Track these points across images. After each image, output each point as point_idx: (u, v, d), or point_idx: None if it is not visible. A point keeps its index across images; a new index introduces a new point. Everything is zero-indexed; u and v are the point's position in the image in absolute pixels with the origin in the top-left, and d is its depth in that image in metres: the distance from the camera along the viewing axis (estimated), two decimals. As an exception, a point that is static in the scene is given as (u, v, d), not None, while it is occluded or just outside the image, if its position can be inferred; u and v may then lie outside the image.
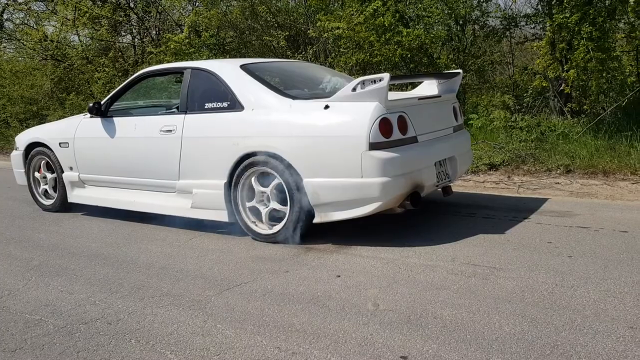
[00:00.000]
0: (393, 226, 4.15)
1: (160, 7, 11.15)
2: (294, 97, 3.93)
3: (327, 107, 3.68)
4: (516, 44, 8.49)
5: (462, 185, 5.54)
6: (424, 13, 7.64)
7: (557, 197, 4.89)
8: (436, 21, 7.72)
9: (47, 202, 5.47)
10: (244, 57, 9.22)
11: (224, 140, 4.01)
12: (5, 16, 14.36)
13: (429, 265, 3.28)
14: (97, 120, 4.84)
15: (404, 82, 6.36)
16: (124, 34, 12.36)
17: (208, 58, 8.73)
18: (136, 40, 12.16)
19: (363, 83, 3.56)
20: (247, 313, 2.76)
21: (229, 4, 10.01)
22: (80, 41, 12.24)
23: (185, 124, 4.24)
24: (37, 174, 5.51)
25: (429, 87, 4.55)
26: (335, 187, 3.62)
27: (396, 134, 3.61)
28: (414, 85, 5.28)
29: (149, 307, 2.92)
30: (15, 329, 2.74)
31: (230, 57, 9.08)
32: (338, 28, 7.32)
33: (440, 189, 4.23)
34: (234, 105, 4.05)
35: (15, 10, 13.39)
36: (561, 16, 6.22)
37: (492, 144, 6.40)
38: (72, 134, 5.04)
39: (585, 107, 6.86)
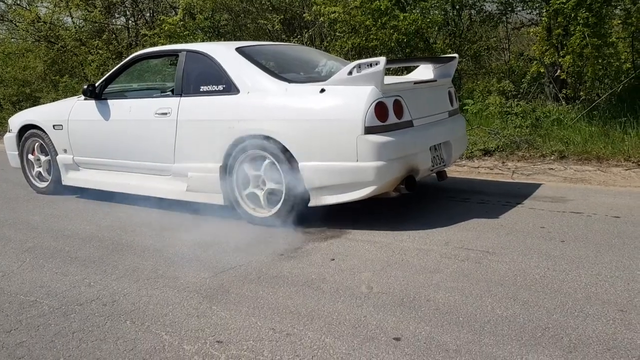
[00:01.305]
0: (387, 210, 4.16)
1: (154, -11, 11.02)
2: (289, 81, 3.92)
3: (322, 90, 3.67)
4: (512, 30, 8.45)
5: (456, 171, 5.55)
6: (420, -3, 7.60)
7: (550, 183, 4.92)
8: (432, 5, 7.68)
9: (41, 185, 5.45)
10: (239, 40, 9.15)
11: (219, 123, 4.00)
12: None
13: (423, 249, 3.30)
14: (92, 103, 4.81)
15: (399, 66, 6.34)
16: (117, 15, 12.20)
17: (203, 41, 8.65)
18: (130, 22, 12.02)
19: (359, 67, 3.55)
20: (242, 295, 2.78)
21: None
22: (74, 23, 12.09)
23: (180, 107, 4.22)
24: (30, 157, 5.49)
25: (424, 71, 4.54)
26: (330, 171, 3.62)
27: (392, 118, 3.61)
28: (409, 70, 5.26)
29: (144, 288, 2.93)
30: (10, 310, 2.75)
31: (225, 40, 9.01)
32: (334, 12, 7.27)
33: (434, 174, 4.24)
34: (230, 88, 4.03)
35: (8, -9, 13.19)
36: (558, 2, 6.19)
37: (487, 130, 6.40)
38: (66, 116, 5.01)
39: (580, 93, 6.86)
